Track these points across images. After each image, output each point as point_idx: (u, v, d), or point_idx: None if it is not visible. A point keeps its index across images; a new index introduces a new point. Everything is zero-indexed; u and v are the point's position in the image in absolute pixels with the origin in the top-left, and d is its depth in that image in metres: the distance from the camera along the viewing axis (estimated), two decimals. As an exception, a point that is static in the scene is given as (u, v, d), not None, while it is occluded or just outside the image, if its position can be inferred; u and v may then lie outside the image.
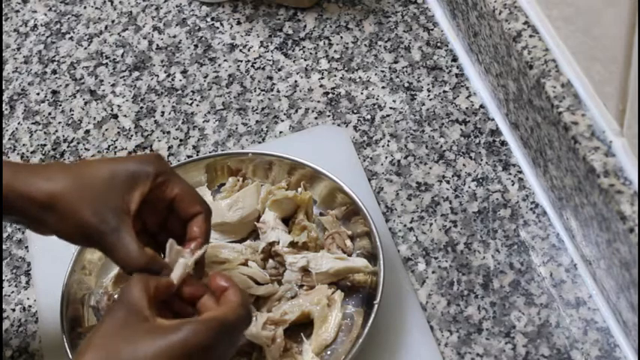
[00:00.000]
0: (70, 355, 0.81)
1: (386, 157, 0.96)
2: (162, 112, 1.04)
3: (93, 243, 0.74)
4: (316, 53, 1.06)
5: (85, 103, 1.06)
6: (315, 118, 1.00)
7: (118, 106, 1.05)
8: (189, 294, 0.73)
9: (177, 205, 0.76)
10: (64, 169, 0.74)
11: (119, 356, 0.66)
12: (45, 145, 1.03)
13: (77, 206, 0.72)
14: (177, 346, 0.66)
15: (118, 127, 1.03)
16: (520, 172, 0.93)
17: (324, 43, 1.06)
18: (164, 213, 0.77)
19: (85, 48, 1.11)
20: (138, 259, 0.72)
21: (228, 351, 0.70)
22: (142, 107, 1.04)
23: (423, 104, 0.99)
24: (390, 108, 0.99)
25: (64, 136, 1.03)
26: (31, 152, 1.02)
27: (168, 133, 1.02)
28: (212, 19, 1.11)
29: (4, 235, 0.96)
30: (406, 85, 1.01)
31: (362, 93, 1.01)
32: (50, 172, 0.73)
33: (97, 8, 1.15)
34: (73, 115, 1.05)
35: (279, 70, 1.05)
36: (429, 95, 1.00)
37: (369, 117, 0.99)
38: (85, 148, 1.02)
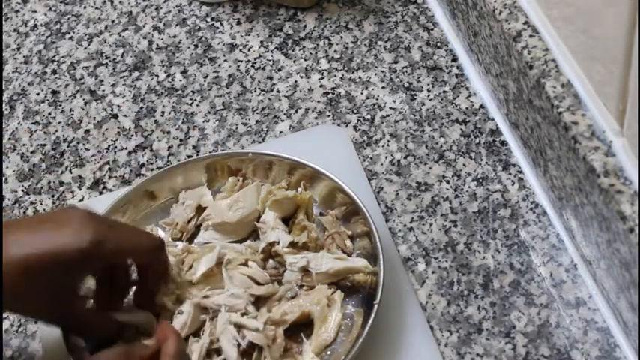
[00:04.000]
0: (70, 356, 0.80)
1: (386, 157, 0.96)
2: (162, 112, 1.04)
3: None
4: (316, 53, 1.06)
5: (85, 103, 1.06)
6: (315, 118, 1.00)
7: (118, 106, 1.05)
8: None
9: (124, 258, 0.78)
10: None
11: None
12: (45, 145, 1.03)
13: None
14: None
15: (118, 127, 1.03)
16: (520, 172, 0.93)
17: (324, 43, 1.06)
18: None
19: (85, 48, 1.11)
20: (104, 329, 0.77)
21: None
22: (142, 107, 1.04)
23: (423, 104, 0.99)
24: (390, 108, 0.99)
25: (64, 136, 1.03)
26: (31, 152, 1.02)
27: (168, 133, 1.02)
28: (212, 19, 1.11)
29: (4, 235, 0.96)
30: (406, 85, 1.01)
31: (362, 93, 1.01)
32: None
33: (97, 8, 1.15)
34: (73, 115, 1.05)
35: (279, 70, 1.05)
36: (429, 95, 1.00)
37: (369, 117, 0.99)
38: (85, 148, 1.02)
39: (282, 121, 1.00)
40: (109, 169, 1.00)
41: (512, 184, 0.92)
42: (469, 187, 0.92)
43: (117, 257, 0.77)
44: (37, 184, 0.99)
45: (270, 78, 1.04)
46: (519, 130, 0.91)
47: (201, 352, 0.81)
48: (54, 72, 1.09)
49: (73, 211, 0.74)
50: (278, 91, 1.03)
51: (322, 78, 1.03)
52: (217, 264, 0.86)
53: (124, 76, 1.08)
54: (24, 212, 0.97)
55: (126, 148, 1.01)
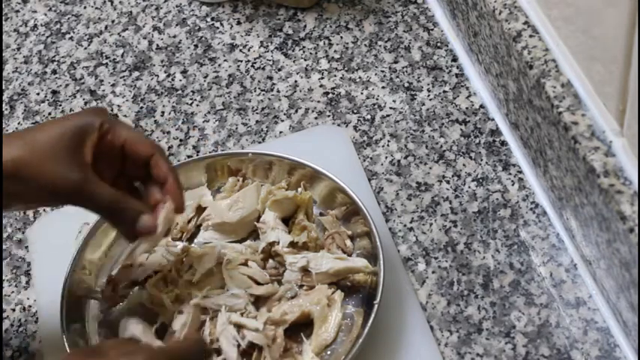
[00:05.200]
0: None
1: (386, 157, 0.96)
2: (162, 112, 1.04)
3: (63, 199, 0.78)
4: (316, 53, 1.06)
5: (85, 103, 1.06)
6: (315, 118, 1.00)
7: (118, 106, 1.05)
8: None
9: (128, 149, 0.79)
10: (19, 136, 0.77)
11: None
12: (45, 145, 1.03)
13: (40, 167, 0.75)
14: None
15: (118, 127, 1.03)
16: (520, 172, 0.93)
17: (324, 43, 1.06)
18: (118, 161, 0.79)
19: (85, 48, 1.11)
20: (113, 197, 0.76)
21: None
22: (142, 107, 1.04)
23: (423, 104, 0.99)
24: (390, 108, 0.99)
25: (64, 136, 1.03)
26: (31, 152, 1.02)
27: (168, 133, 1.02)
28: (212, 19, 1.11)
29: (4, 235, 0.96)
30: (406, 85, 1.01)
31: (362, 93, 1.01)
32: (6, 143, 0.75)
33: (97, 8, 1.15)
34: (73, 115, 1.05)
35: (279, 70, 1.05)
36: (429, 95, 1.00)
37: (369, 117, 0.99)
38: (85, 148, 1.02)
39: (282, 121, 1.00)
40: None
41: (512, 184, 0.92)
42: (469, 187, 0.92)
43: (120, 136, 0.78)
44: (37, 184, 0.99)
45: (270, 78, 1.04)
46: (519, 130, 0.91)
47: (201, 352, 0.81)
48: (54, 72, 1.09)
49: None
50: (278, 91, 1.03)
51: (322, 78, 1.03)
52: (217, 264, 0.86)
53: (124, 76, 1.08)
54: (24, 212, 0.97)
55: (126, 148, 1.01)
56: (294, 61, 1.05)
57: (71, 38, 1.13)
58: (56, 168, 0.75)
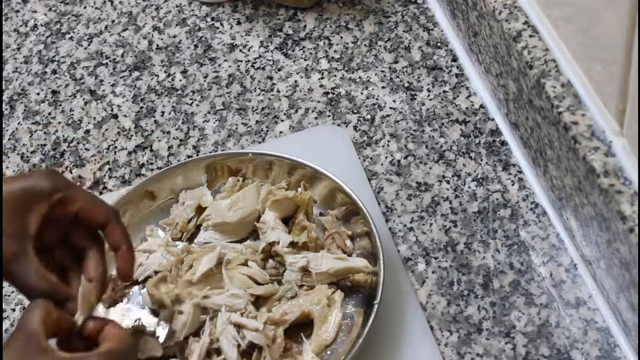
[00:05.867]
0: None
1: (386, 157, 0.96)
2: (162, 112, 1.04)
3: None
4: (316, 53, 1.06)
5: (85, 103, 1.06)
6: (315, 118, 1.00)
7: (118, 106, 1.05)
8: (89, 331, 0.72)
9: (82, 217, 0.75)
10: None
11: None
12: (45, 145, 1.03)
13: None
14: None
15: (118, 127, 1.03)
16: (520, 172, 0.93)
17: (324, 43, 1.06)
18: (66, 228, 0.76)
19: (85, 48, 1.11)
20: (39, 284, 0.71)
21: None
22: (142, 107, 1.04)
23: (423, 104, 0.99)
24: (390, 108, 0.99)
25: (64, 136, 1.03)
26: (31, 152, 1.02)
27: (168, 133, 1.02)
28: (212, 19, 1.11)
29: (4, 235, 0.96)
30: (406, 85, 1.01)
31: (362, 93, 1.01)
32: None
33: (97, 8, 1.15)
34: (73, 115, 1.05)
35: (279, 70, 1.05)
36: (429, 95, 1.00)
37: (369, 117, 0.99)
38: (85, 148, 1.02)
39: (282, 121, 1.00)
40: (109, 169, 1.00)
41: (512, 184, 0.92)
42: (469, 187, 0.92)
43: (74, 205, 0.74)
44: (37, 184, 0.99)
45: (270, 78, 1.04)
46: (519, 130, 0.91)
47: (201, 352, 0.81)
48: (54, 72, 1.09)
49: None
50: (278, 91, 1.03)
51: (322, 78, 1.03)
52: (217, 264, 0.86)
53: (124, 76, 1.08)
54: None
55: (126, 148, 1.01)
56: (294, 61, 1.05)
57: (71, 38, 1.13)
58: None
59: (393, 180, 0.94)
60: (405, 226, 0.91)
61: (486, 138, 0.96)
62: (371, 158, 0.96)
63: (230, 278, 0.85)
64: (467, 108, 0.98)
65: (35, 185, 0.72)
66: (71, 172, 1.00)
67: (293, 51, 1.06)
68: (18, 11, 1.17)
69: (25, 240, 0.71)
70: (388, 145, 0.97)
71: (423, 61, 1.03)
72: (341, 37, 1.07)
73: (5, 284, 0.93)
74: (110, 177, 0.99)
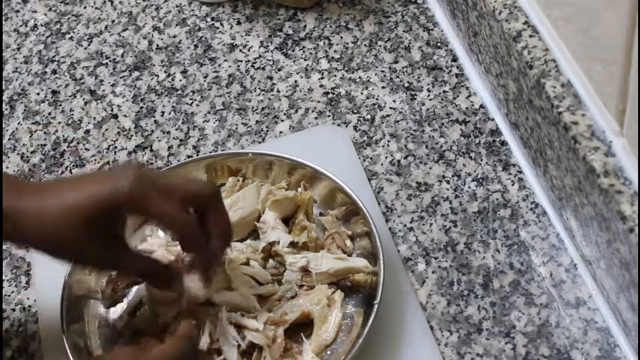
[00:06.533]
0: (70, 356, 0.81)
1: (386, 157, 0.96)
2: (162, 112, 1.04)
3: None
4: (316, 53, 1.06)
5: (85, 103, 1.06)
6: (315, 118, 1.00)
7: (118, 106, 1.05)
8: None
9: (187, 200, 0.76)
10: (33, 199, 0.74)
11: None
12: (45, 145, 1.03)
13: (64, 246, 0.74)
14: None
15: (118, 127, 1.03)
16: (520, 172, 0.93)
17: (324, 43, 1.06)
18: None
19: (85, 48, 1.11)
20: (148, 267, 0.78)
21: None
22: (142, 107, 1.04)
23: (423, 104, 0.99)
24: (390, 108, 0.99)
25: (64, 136, 1.03)
26: (31, 152, 1.02)
27: (168, 133, 1.02)
28: (212, 19, 1.11)
29: (4, 235, 0.96)
30: (406, 85, 1.01)
31: (362, 93, 1.01)
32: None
33: (97, 8, 1.15)
34: (73, 115, 1.05)
35: (279, 70, 1.05)
36: (429, 95, 1.00)
37: (369, 117, 0.99)
38: (85, 148, 1.02)
39: (282, 121, 1.00)
40: (109, 169, 1.00)
41: (512, 184, 0.92)
42: (469, 187, 0.92)
43: (157, 208, 0.74)
44: (37, 184, 0.99)
45: (270, 78, 1.04)
46: (519, 130, 0.91)
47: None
48: (54, 72, 1.09)
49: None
50: (278, 91, 1.03)
51: (322, 78, 1.03)
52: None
53: (124, 76, 1.08)
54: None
55: (126, 148, 1.01)
56: (294, 61, 1.05)
57: (71, 38, 1.13)
58: (84, 249, 0.73)
59: (393, 180, 0.94)
60: (405, 226, 0.91)
61: (486, 138, 0.96)
62: (371, 158, 0.96)
63: (232, 277, 0.85)
64: (467, 108, 0.98)
65: (111, 193, 0.72)
66: (71, 172, 1.00)
67: (293, 51, 1.06)
68: (18, 11, 1.17)
69: (117, 246, 0.76)
70: (388, 145, 0.97)
71: (423, 61, 1.03)
72: (341, 37, 1.07)
73: (5, 284, 0.93)
74: (110, 177, 0.99)
